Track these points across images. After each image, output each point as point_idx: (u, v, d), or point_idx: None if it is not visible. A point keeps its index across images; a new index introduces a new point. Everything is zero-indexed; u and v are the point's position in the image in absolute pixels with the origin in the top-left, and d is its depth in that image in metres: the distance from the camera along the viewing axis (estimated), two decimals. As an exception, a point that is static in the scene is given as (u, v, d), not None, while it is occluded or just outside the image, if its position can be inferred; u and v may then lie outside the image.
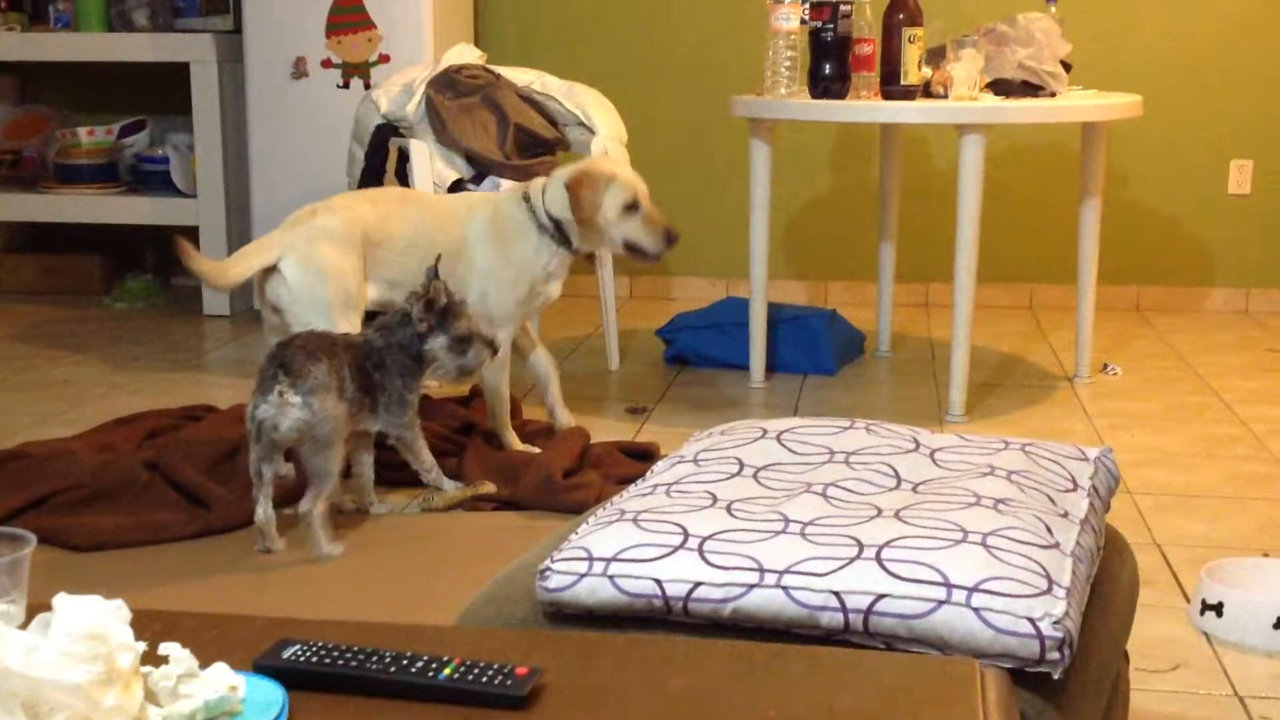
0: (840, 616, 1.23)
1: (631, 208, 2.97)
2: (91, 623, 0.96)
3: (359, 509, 2.73)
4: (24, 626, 1.02)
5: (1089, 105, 3.52)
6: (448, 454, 2.99)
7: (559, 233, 2.97)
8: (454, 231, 2.95)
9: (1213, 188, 4.75)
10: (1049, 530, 1.33)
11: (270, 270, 2.79)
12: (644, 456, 3.01)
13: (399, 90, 3.79)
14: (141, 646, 0.98)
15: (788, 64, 3.52)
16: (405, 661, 1.07)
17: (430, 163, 3.67)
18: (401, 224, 2.89)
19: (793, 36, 3.51)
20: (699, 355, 3.97)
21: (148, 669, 0.99)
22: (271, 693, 1.02)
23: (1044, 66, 3.49)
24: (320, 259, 2.77)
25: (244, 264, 2.79)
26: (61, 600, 0.99)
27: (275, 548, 2.51)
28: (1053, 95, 3.51)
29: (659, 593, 1.27)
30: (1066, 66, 3.56)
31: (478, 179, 3.72)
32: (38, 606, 1.05)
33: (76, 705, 0.92)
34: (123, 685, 0.95)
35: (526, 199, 2.99)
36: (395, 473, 2.88)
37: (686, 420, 3.40)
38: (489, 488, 2.80)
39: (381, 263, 2.89)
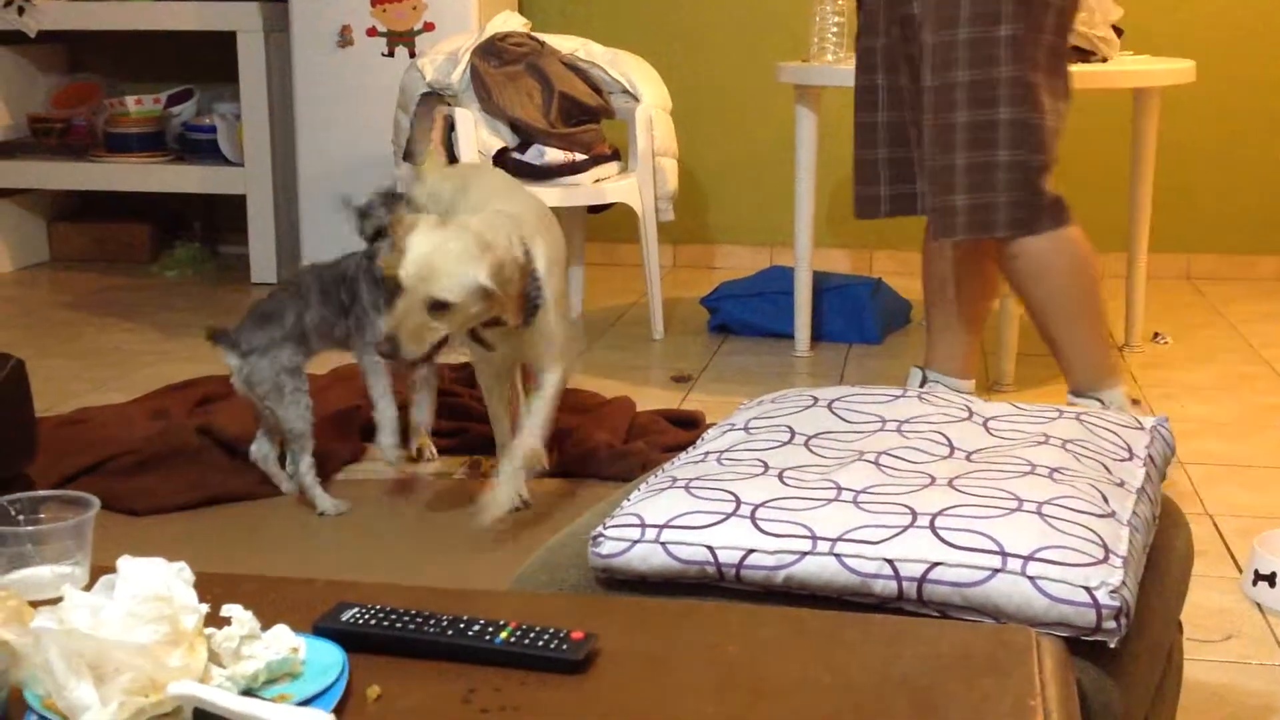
0: (894, 584, 1.23)
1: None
2: (156, 584, 0.98)
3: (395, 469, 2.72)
4: (88, 588, 1.03)
5: (1141, 71, 3.47)
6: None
7: None
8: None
9: (1265, 154, 4.67)
10: (1105, 499, 1.32)
11: None
12: (689, 424, 3.01)
13: (444, 58, 3.79)
14: (205, 608, 1.00)
15: (835, 30, 3.49)
16: (463, 625, 1.08)
17: (475, 131, 3.67)
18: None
19: (840, 2, 3.47)
20: (743, 324, 3.96)
21: (210, 630, 1.00)
22: (331, 654, 1.03)
23: (1095, 31, 3.44)
24: None
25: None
26: (125, 562, 1.01)
27: (282, 484, 2.65)
28: (1104, 60, 3.46)
29: (712, 560, 1.28)
30: (1118, 31, 3.51)
31: (522, 147, 3.72)
32: (99, 570, 1.07)
33: (142, 665, 0.93)
34: (187, 646, 0.96)
35: None
36: (444, 439, 2.90)
37: (731, 389, 3.40)
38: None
39: None
